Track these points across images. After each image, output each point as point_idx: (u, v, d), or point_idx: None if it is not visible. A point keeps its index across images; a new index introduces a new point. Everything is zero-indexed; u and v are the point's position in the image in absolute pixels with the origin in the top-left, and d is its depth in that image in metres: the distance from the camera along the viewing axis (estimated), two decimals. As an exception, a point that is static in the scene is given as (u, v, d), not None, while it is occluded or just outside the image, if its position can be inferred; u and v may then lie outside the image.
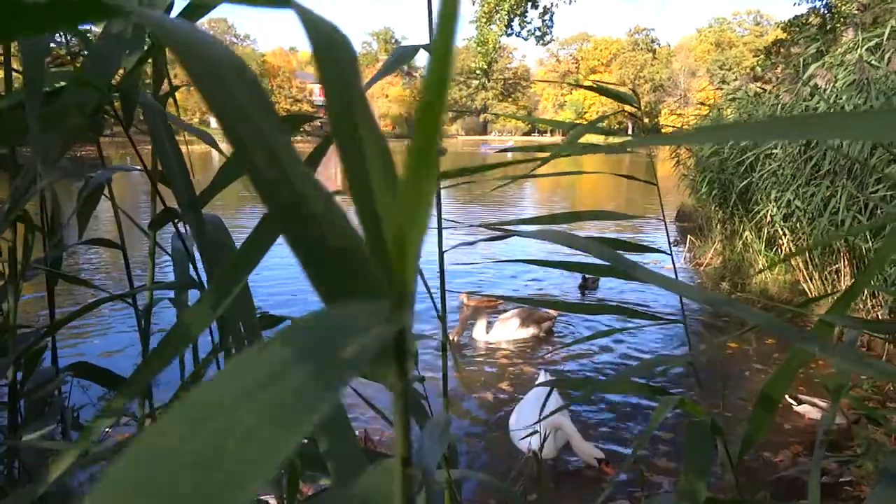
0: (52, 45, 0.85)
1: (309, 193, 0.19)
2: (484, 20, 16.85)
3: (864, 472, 2.50)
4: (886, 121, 0.20)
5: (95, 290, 1.14)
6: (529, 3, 16.90)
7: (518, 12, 16.92)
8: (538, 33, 18.26)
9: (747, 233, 5.80)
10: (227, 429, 0.12)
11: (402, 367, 0.18)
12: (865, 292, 4.09)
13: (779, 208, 4.90)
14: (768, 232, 5.45)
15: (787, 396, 3.20)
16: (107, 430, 1.30)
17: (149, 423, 0.95)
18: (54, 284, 1.05)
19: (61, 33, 0.95)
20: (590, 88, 1.35)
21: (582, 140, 0.98)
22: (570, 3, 17.25)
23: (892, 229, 0.59)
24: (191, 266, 0.88)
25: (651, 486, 2.59)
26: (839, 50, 4.86)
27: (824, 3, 10.76)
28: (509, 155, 0.79)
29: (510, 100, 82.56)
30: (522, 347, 4.35)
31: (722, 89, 8.05)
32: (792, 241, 5.09)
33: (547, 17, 17.93)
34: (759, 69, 8.31)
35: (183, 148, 0.81)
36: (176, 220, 0.88)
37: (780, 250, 5.31)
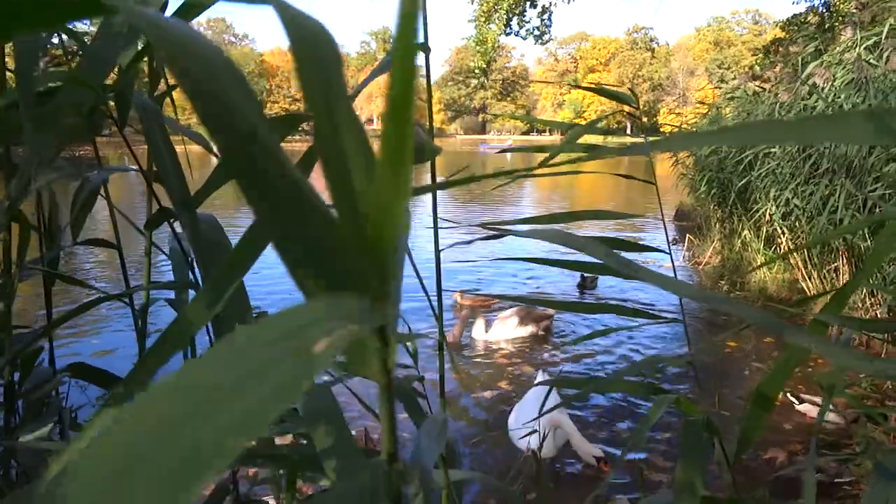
0: (48, 45, 0.85)
1: (292, 190, 0.18)
2: (483, 19, 16.83)
3: (863, 470, 2.49)
4: (884, 123, 0.20)
5: (92, 290, 1.13)
6: (528, 3, 16.89)
7: (517, 11, 16.90)
8: (537, 32, 18.25)
9: (746, 231, 5.80)
10: (190, 424, 0.12)
11: (385, 361, 0.18)
12: (864, 291, 4.09)
13: (777, 207, 4.90)
14: (767, 231, 5.45)
15: (788, 395, 3.20)
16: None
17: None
18: (51, 285, 1.05)
19: (58, 33, 0.95)
20: (588, 89, 1.35)
21: (581, 140, 0.98)
22: (569, 2, 17.20)
23: (886, 228, 0.59)
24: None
25: (651, 485, 2.59)
26: (837, 49, 4.86)
27: (823, 1, 10.75)
28: (508, 156, 0.79)
29: (509, 99, 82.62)
30: (521, 347, 4.34)
31: (721, 88, 8.04)
32: (791, 240, 5.09)
33: (545, 16, 17.93)
34: (757, 68, 8.33)
35: (182, 147, 0.81)
36: (172, 220, 0.87)
37: (778, 249, 5.31)
